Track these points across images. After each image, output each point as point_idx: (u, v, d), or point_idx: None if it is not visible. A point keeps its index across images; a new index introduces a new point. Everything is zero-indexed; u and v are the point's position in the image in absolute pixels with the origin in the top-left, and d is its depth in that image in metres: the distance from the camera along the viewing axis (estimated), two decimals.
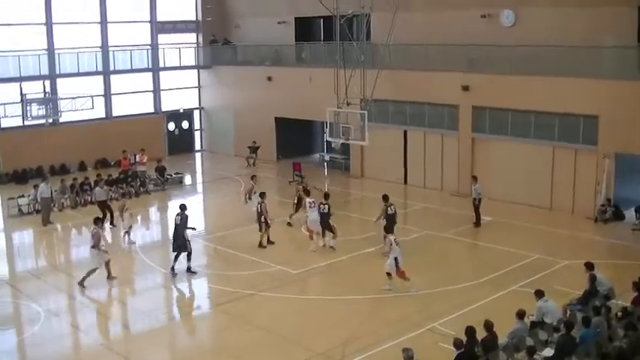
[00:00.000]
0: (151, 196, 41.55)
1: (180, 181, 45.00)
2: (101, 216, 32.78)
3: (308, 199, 30.85)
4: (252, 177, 35.97)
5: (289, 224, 33.47)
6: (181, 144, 54.98)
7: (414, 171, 41.51)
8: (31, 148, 46.00)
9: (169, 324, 24.54)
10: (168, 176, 43.88)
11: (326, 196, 30.66)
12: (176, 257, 27.68)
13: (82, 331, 23.66)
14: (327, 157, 49.27)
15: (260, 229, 30.70)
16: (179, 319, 25.14)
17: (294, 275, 26.87)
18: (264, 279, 26.66)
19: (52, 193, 37.05)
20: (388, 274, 25.52)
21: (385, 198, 29.95)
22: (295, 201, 34.16)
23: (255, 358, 20.76)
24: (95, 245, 26.77)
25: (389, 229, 28.17)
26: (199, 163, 54.03)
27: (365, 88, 35.45)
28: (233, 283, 26.55)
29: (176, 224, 27.83)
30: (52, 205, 36.93)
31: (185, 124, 55.51)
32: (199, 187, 46.52)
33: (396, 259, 25.36)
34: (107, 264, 27.13)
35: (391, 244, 25.67)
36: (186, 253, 27.67)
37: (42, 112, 46.09)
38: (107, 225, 33.96)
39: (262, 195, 31.43)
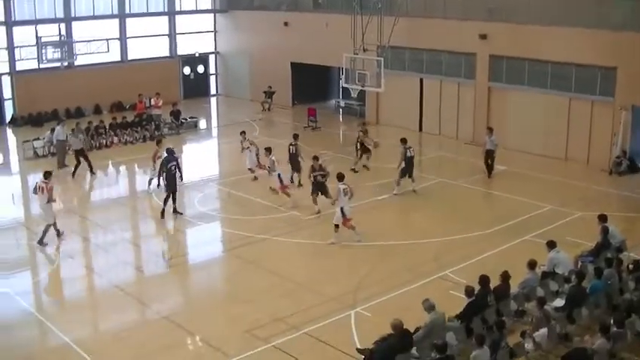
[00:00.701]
0: (166, 139, 41.52)
1: (195, 125, 44.99)
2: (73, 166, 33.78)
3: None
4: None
5: (354, 170, 33.56)
6: (197, 88, 54.83)
7: (430, 119, 41.39)
8: (47, 91, 46.02)
9: (182, 267, 24.73)
10: (183, 120, 43.91)
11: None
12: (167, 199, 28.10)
13: (96, 273, 23.88)
14: (342, 104, 49.21)
15: (294, 169, 31.32)
16: (192, 263, 25.30)
17: (306, 221, 26.95)
18: (277, 224, 26.76)
19: (67, 137, 37.15)
20: (336, 225, 25.20)
21: (404, 141, 29.99)
22: (358, 147, 34.42)
23: (267, 302, 20.89)
24: (49, 200, 25.61)
25: (409, 172, 29.25)
26: (214, 107, 54.01)
27: (382, 34, 35.16)
28: (246, 227, 26.67)
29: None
30: (67, 148, 37.04)
31: (201, 69, 55.32)
32: (214, 132, 46.57)
33: (342, 209, 25.05)
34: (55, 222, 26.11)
35: (338, 194, 25.15)
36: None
37: (57, 55, 45.97)
38: (88, 174, 34.21)
39: (296, 137, 32.17)
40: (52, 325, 19.86)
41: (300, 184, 30.40)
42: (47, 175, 26.07)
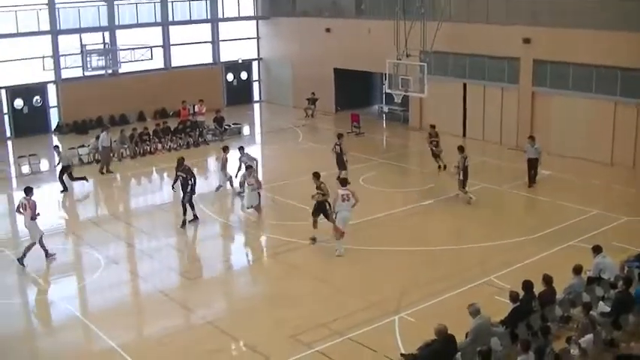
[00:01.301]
0: (209, 146, 41.82)
1: (239, 132, 45.14)
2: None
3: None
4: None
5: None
6: (240, 95, 55.07)
7: (473, 124, 41.19)
8: (91, 98, 46.47)
9: (226, 273, 24.87)
10: (226, 127, 44.08)
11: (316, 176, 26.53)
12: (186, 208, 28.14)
13: (141, 278, 24.04)
14: (385, 109, 49.13)
15: (341, 168, 31.63)
16: (236, 268, 25.45)
17: (350, 226, 26.88)
18: (320, 229, 26.75)
19: (111, 143, 37.54)
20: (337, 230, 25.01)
21: (461, 149, 29.76)
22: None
23: (310, 307, 20.90)
24: (33, 217, 24.79)
25: (464, 182, 29.05)
26: (257, 113, 54.12)
27: (425, 40, 35.17)
28: (289, 232, 26.71)
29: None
30: (111, 154, 37.42)
31: (244, 75, 55.57)
32: (257, 138, 46.69)
33: (336, 214, 24.79)
34: (41, 239, 25.17)
35: (336, 199, 24.84)
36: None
37: (101, 63, 46.48)
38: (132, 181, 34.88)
39: (340, 136, 32.53)
40: (97, 330, 20.04)
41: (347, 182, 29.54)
42: (28, 191, 25.48)
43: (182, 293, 22.96)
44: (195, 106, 44.46)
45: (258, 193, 28.62)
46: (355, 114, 43.94)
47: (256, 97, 56.47)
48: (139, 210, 31.61)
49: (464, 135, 41.38)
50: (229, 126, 44.48)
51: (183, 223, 27.89)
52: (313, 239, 25.79)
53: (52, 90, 46.72)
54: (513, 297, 17.84)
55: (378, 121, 48.14)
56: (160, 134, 40.94)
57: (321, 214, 26.00)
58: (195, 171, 29.94)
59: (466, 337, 16.89)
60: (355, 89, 50.16)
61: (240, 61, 54.78)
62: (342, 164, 31.69)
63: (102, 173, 36.19)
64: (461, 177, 29.05)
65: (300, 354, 18.29)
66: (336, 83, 49.98)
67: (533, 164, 31.64)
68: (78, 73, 46.23)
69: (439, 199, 29.77)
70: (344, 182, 26.17)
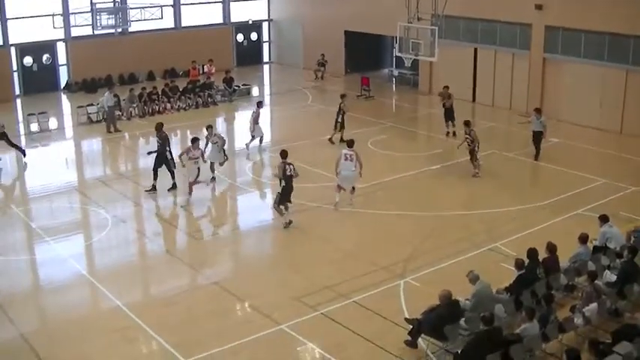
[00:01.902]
0: (218, 107, 41.76)
1: (248, 93, 45.01)
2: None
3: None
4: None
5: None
6: (249, 55, 54.90)
7: (483, 89, 41.00)
8: (101, 57, 46.35)
9: (233, 234, 24.95)
10: (235, 87, 43.97)
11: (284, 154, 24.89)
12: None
13: (148, 237, 24.13)
14: (395, 73, 48.94)
15: (335, 128, 32.16)
16: (243, 229, 25.49)
17: (358, 189, 26.91)
18: (328, 192, 26.75)
19: (120, 102, 37.69)
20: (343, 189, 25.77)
21: (467, 123, 29.17)
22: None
23: (316, 270, 20.96)
24: None
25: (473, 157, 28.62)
26: (267, 75, 54.01)
27: (436, 3, 34.85)
28: (298, 195, 26.65)
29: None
30: (116, 113, 37.59)
31: (254, 36, 55.35)
32: (267, 99, 46.57)
33: (338, 173, 25.72)
34: None
35: (339, 158, 25.67)
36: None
37: (111, 21, 46.32)
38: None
39: (343, 96, 33.29)
40: (103, 288, 20.15)
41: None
42: None
43: (188, 253, 23.08)
44: (205, 67, 44.46)
45: (198, 168, 26.78)
46: (365, 77, 43.76)
47: (266, 58, 56.28)
48: (147, 169, 31.54)
49: (473, 100, 41.23)
50: (239, 87, 44.36)
51: (153, 187, 27.58)
52: (289, 223, 24.50)
53: (61, 48, 46.61)
54: (519, 264, 17.86)
55: (388, 84, 47.98)
56: (169, 94, 40.87)
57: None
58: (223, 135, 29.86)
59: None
60: (365, 52, 49.90)
61: (250, 22, 54.50)
62: (336, 124, 32.51)
63: (109, 132, 36.22)
64: (477, 148, 28.44)
65: (305, 316, 18.38)
66: (347, 45, 49.74)
67: (537, 138, 30.72)
68: (88, 31, 46.09)
69: (447, 164, 29.73)
70: (350, 143, 26.16)
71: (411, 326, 16.74)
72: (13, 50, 44.66)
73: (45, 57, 46.06)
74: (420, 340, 16.61)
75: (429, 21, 34.65)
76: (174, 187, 27.67)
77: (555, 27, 36.81)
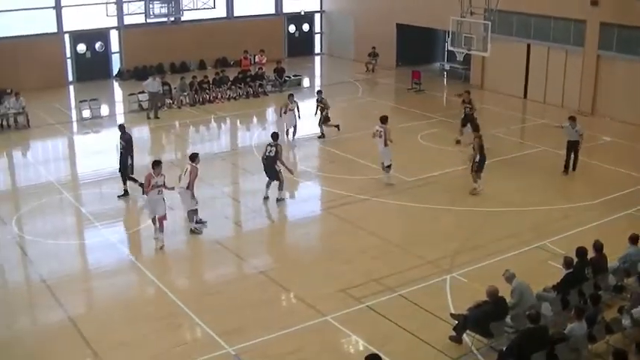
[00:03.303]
0: (269, 97, 41.86)
1: (299, 84, 45.08)
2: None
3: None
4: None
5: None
6: (301, 46, 54.98)
7: (535, 86, 40.59)
8: (153, 45, 46.82)
9: (280, 224, 25.03)
10: (286, 78, 44.07)
11: (274, 136, 26.14)
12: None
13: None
14: (447, 67, 48.68)
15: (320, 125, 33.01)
16: (290, 220, 25.52)
17: (407, 182, 26.84)
18: (377, 184, 26.72)
19: (171, 90, 38.11)
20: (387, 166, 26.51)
21: (476, 128, 28.16)
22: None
23: (363, 262, 20.94)
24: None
25: (481, 168, 26.14)
26: (318, 66, 54.03)
27: None
28: (346, 186, 26.70)
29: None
30: (160, 100, 38.41)
31: (305, 27, 55.39)
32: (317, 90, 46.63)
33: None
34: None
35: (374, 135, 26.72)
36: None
37: (164, 10, 46.69)
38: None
39: (319, 93, 33.70)
40: (150, 274, 20.35)
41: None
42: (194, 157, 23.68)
43: (236, 242, 23.18)
44: (256, 57, 44.64)
45: (163, 199, 23.16)
46: (416, 71, 43.60)
47: (317, 49, 56.31)
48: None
49: (525, 96, 40.84)
50: (289, 77, 44.46)
51: (125, 192, 26.52)
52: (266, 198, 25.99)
53: (114, 36, 47.12)
54: (567, 263, 17.68)
55: (439, 78, 47.74)
56: (220, 83, 41.05)
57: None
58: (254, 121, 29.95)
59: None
60: (417, 45, 49.66)
61: (302, 13, 54.56)
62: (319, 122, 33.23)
63: (148, 118, 36.61)
64: (477, 159, 25.94)
65: (350, 308, 18.37)
66: (398, 38, 49.53)
67: (573, 147, 28.33)
68: (140, 19, 46.52)
69: (496, 159, 29.47)
70: (384, 119, 26.90)
71: (457, 322, 16.68)
72: (67, 37, 45.25)
73: (98, 44, 46.62)
74: (464, 336, 16.54)
75: (482, 15, 34.41)
76: (125, 194, 26.35)
77: (610, 24, 36.29)
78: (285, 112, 32.28)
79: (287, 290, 19.64)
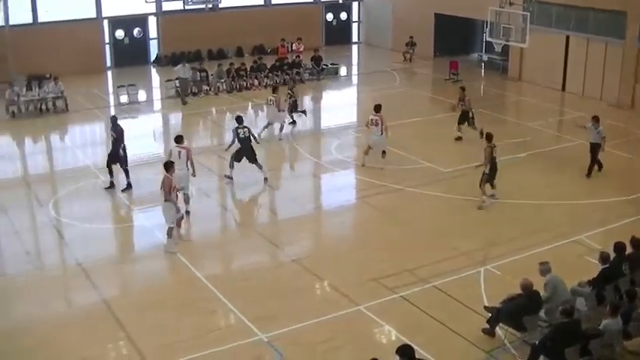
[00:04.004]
0: (305, 85, 41.86)
1: (336, 72, 45.05)
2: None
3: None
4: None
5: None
6: (338, 35, 54.87)
7: (574, 78, 40.19)
8: (190, 32, 46.95)
9: (315, 212, 25.02)
10: (324, 66, 44.03)
11: (240, 120, 26.79)
12: None
13: (231, 211, 24.39)
14: (485, 57, 48.36)
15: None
16: (325, 209, 25.57)
17: (443, 173, 26.76)
18: (412, 174, 26.68)
19: (208, 76, 38.39)
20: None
21: (489, 137, 24.44)
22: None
23: (396, 253, 20.91)
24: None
25: (492, 178, 24.30)
26: (355, 54, 53.91)
27: None
28: (381, 176, 26.67)
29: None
30: (189, 86, 38.71)
31: (343, 15, 55.29)
32: (354, 79, 46.58)
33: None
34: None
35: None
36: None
37: None
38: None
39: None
40: (184, 259, 20.45)
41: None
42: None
43: (270, 229, 23.22)
44: (294, 45, 44.64)
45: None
46: (454, 61, 43.38)
47: (355, 38, 56.19)
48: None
49: (563, 89, 40.48)
50: (327, 66, 44.41)
51: (111, 184, 25.93)
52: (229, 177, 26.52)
53: (152, 22, 47.36)
54: (604, 258, 17.50)
55: (477, 69, 47.44)
56: (257, 70, 41.11)
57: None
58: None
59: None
60: (455, 35, 49.35)
61: (340, 1, 54.49)
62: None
63: (183, 104, 36.80)
64: (487, 171, 24.02)
65: (383, 298, 18.36)
66: (436, 28, 49.25)
67: (595, 149, 26.92)
68: (179, 6, 46.81)
69: (533, 152, 29.30)
70: (377, 108, 27.60)
71: (490, 314, 16.61)
72: (105, 23, 45.54)
73: (136, 30, 46.92)
74: (497, 328, 16.46)
75: (521, 6, 34.21)
76: (129, 186, 25.76)
77: None
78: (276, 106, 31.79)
79: (320, 279, 19.67)
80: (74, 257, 20.88)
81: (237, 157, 26.34)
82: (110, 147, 26.15)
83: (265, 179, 26.23)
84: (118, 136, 25.77)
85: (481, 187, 24.10)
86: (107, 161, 25.89)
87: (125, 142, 26.00)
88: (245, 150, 26.22)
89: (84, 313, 18.17)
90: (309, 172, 28.20)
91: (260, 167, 26.30)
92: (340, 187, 27.20)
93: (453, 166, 27.26)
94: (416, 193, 25.41)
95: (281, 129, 31.90)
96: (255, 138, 26.71)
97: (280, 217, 24.32)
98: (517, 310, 15.90)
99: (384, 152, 27.38)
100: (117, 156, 25.62)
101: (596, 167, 27.10)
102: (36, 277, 20.08)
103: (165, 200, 20.81)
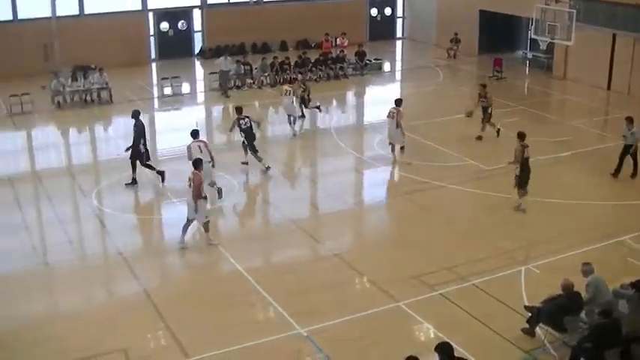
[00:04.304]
0: (349, 80, 41.84)
1: (379, 68, 44.97)
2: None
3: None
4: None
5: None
6: (382, 30, 54.74)
7: (619, 77, 39.75)
8: (235, 25, 47.16)
9: (356, 207, 25.05)
10: (367, 61, 43.98)
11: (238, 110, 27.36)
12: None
13: (273, 205, 24.45)
14: (529, 55, 47.99)
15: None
16: (366, 204, 25.61)
17: (485, 171, 26.65)
18: (454, 172, 26.58)
19: (252, 70, 38.61)
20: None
21: (521, 136, 23.60)
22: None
23: (437, 250, 20.85)
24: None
25: (525, 180, 23.40)
26: (399, 50, 53.78)
27: None
28: (423, 173, 26.59)
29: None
30: (229, 78, 38.97)
31: (388, 11, 55.15)
32: (397, 75, 46.49)
33: None
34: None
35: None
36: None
37: None
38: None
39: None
40: (226, 252, 20.58)
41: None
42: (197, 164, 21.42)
43: (312, 224, 23.30)
44: (338, 39, 44.64)
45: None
46: (498, 58, 43.10)
47: (399, 33, 56.02)
48: (276, 138, 31.94)
49: (608, 88, 40.04)
50: (370, 61, 44.35)
51: (133, 181, 25.77)
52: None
53: (197, 15, 47.58)
54: None
55: (521, 66, 47.06)
56: (301, 65, 41.16)
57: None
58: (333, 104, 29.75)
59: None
60: (499, 32, 48.94)
61: None
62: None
63: (226, 97, 36.94)
64: (518, 173, 23.23)
65: (423, 295, 18.33)
66: (481, 25, 48.92)
67: (626, 151, 26.31)
68: None
69: (577, 151, 29.07)
70: (398, 102, 27.99)
71: (530, 314, 16.53)
72: (150, 15, 45.83)
73: (181, 23, 47.10)
74: (537, 329, 16.38)
75: (567, 3, 33.92)
76: (134, 182, 25.60)
77: None
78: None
79: (360, 274, 19.68)
80: (116, 247, 21.12)
81: (245, 148, 26.85)
82: (132, 143, 25.70)
83: (267, 168, 26.58)
84: (138, 132, 25.52)
85: (517, 191, 23.34)
86: (130, 157, 25.60)
87: (147, 138, 26.01)
88: (247, 139, 26.57)
89: (124, 302, 18.39)
90: (350, 166, 28.18)
91: (259, 160, 26.49)
92: (381, 182, 27.20)
93: (495, 163, 27.08)
94: (457, 190, 25.31)
95: (294, 122, 31.82)
96: (254, 126, 27.01)
97: (321, 211, 24.36)
98: (558, 310, 15.81)
99: (402, 148, 27.57)
100: (138, 152, 25.51)
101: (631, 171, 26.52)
102: (78, 266, 20.37)
103: (198, 198, 20.68)
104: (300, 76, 40.29)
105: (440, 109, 33.74)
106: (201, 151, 23.19)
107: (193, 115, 33.80)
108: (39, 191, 25.67)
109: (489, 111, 30.56)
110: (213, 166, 23.67)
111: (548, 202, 24.39)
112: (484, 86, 31.31)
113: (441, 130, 30.84)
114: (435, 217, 23.37)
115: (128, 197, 25.02)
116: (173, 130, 32.27)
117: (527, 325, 16.45)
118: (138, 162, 25.53)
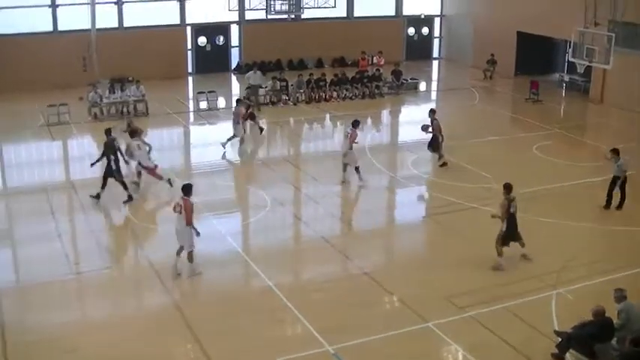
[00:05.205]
0: (384, 98, 41.87)
1: (415, 87, 44.97)
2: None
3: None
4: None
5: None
6: (419, 50, 54.85)
7: None
8: (272, 41, 47.50)
9: (387, 226, 25.06)
10: (403, 80, 43.98)
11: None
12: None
13: (304, 222, 24.48)
14: (566, 78, 47.76)
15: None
16: (398, 223, 25.56)
17: (519, 194, 26.44)
18: (487, 193, 26.44)
19: (287, 86, 38.72)
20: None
21: (508, 188, 21.41)
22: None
23: (467, 271, 20.72)
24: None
25: (513, 235, 21.41)
26: (436, 70, 53.78)
27: (615, 8, 33.88)
28: (456, 193, 26.49)
29: None
30: (260, 94, 39.28)
31: (425, 31, 55.20)
32: (433, 95, 46.46)
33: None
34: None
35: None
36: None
37: (285, 7, 46.98)
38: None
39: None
40: (257, 268, 20.60)
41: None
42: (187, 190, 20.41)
43: (342, 241, 23.25)
44: (374, 58, 44.71)
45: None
46: (535, 81, 42.92)
47: (435, 53, 56.04)
48: (308, 155, 32.00)
49: None
50: (406, 80, 44.36)
51: (129, 198, 25.49)
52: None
53: (234, 30, 47.95)
54: None
55: (557, 89, 46.81)
56: (337, 82, 41.24)
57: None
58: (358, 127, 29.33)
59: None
60: (537, 55, 48.78)
61: (422, 17, 54.43)
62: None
63: (258, 111, 36.98)
64: (503, 228, 21.13)
65: (453, 317, 18.23)
66: (518, 47, 48.79)
67: (614, 182, 25.70)
68: (261, 15, 47.02)
69: (610, 176, 28.80)
70: (355, 124, 27.55)
71: (560, 339, 16.39)
72: (188, 30, 46.23)
73: (218, 38, 47.45)
74: (567, 354, 16.23)
75: (606, 27, 33.73)
76: (129, 199, 25.42)
77: None
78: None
79: (390, 293, 19.63)
80: (147, 259, 21.22)
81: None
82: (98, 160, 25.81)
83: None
84: (107, 148, 25.42)
85: (496, 246, 21.13)
86: (109, 176, 25.37)
87: (117, 155, 25.59)
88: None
89: (154, 314, 18.47)
90: (384, 185, 28.17)
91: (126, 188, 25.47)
92: (414, 202, 27.18)
93: (529, 186, 26.92)
94: (489, 212, 25.15)
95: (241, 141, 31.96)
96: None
97: (353, 229, 24.35)
98: (588, 337, 15.68)
99: (356, 168, 27.32)
100: (109, 168, 25.29)
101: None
102: (109, 276, 20.47)
103: (188, 224, 20.12)
104: (335, 93, 40.40)
105: (474, 131, 33.68)
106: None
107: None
108: (73, 201, 25.87)
109: (440, 140, 29.88)
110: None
111: (582, 226, 24.23)
112: (433, 112, 30.57)
113: (474, 152, 30.78)
114: (466, 238, 23.22)
115: (161, 209, 25.16)
116: (207, 144, 32.40)
117: (556, 351, 16.31)
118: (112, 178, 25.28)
